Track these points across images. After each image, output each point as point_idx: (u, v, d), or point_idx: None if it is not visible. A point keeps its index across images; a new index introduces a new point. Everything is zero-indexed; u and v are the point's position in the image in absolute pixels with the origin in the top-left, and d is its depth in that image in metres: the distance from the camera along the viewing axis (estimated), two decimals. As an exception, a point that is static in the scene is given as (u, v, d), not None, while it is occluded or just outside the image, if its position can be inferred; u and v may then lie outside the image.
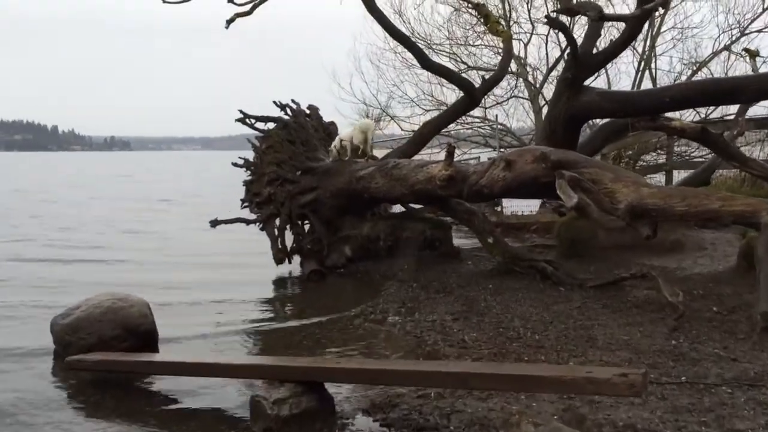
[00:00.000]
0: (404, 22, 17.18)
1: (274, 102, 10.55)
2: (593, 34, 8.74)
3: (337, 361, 5.03)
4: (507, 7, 17.23)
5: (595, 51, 8.87)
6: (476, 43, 17.64)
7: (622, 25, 8.76)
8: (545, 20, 8.34)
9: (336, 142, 10.05)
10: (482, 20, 11.72)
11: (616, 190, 6.88)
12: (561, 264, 8.60)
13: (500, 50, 15.64)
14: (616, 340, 5.96)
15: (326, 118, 11.28)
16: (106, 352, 5.30)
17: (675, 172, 14.14)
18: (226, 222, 9.69)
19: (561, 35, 16.68)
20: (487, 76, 12.29)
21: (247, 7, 9.12)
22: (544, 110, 16.78)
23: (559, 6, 8.44)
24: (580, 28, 13.53)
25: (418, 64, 15.77)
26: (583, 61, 8.33)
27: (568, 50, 8.81)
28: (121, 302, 5.85)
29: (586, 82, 9.05)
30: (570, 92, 8.53)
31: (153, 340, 5.97)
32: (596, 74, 14.14)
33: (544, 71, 17.37)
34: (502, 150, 15.93)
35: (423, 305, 7.54)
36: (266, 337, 6.70)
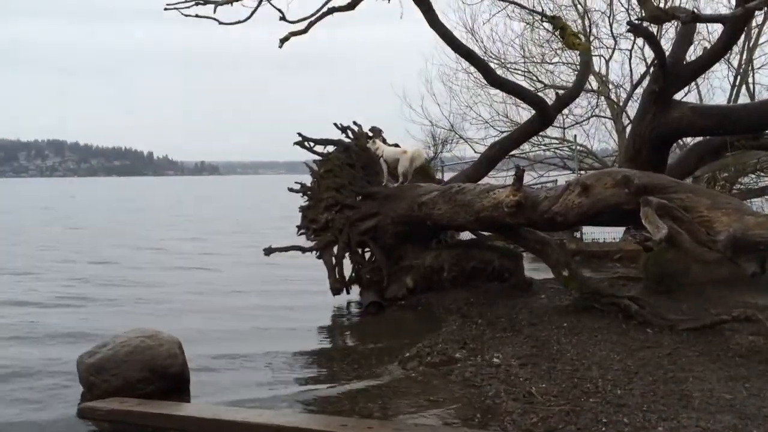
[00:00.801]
0: (476, 41, 16.51)
1: (335, 124, 10.08)
2: (684, 41, 7.76)
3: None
4: (587, 22, 16.23)
5: (685, 62, 7.84)
6: (553, 61, 16.73)
7: (712, 38, 7.73)
8: (628, 28, 7.44)
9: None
10: (558, 33, 10.86)
11: (714, 218, 5.91)
12: (648, 301, 7.57)
13: (578, 67, 14.67)
14: (717, 399, 4.97)
15: (397, 141, 10.67)
16: (123, 399, 4.81)
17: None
18: (281, 250, 9.21)
19: (647, 47, 15.63)
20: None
21: (303, 25, 8.72)
22: (628, 130, 15.65)
23: (643, 13, 7.51)
24: (667, 42, 12.39)
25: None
26: (672, 72, 7.36)
27: (654, 61, 7.84)
28: (149, 340, 5.40)
29: (675, 97, 8.05)
30: (657, 107, 7.58)
31: (183, 382, 5.50)
32: (686, 89, 12.91)
33: (628, 88, 16.20)
34: (581, 173, 14.83)
35: (487, 346, 6.74)
36: (311, 383, 6.05)
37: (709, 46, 8.39)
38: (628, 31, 8.09)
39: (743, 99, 14.74)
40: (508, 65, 16.53)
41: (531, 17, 15.36)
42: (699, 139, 9.02)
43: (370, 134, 10.40)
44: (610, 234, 13.49)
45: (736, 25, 7.19)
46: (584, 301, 7.79)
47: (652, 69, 14.31)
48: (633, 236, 5.65)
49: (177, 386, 5.40)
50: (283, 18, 8.68)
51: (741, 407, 4.78)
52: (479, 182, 9.79)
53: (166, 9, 8.49)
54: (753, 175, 14.23)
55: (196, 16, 8.50)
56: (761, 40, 14.76)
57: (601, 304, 7.66)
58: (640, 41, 15.65)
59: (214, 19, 8.58)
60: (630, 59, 16.15)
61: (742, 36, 12.21)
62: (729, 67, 14.85)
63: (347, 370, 6.20)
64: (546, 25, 14.65)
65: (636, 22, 7.36)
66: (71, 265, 14.08)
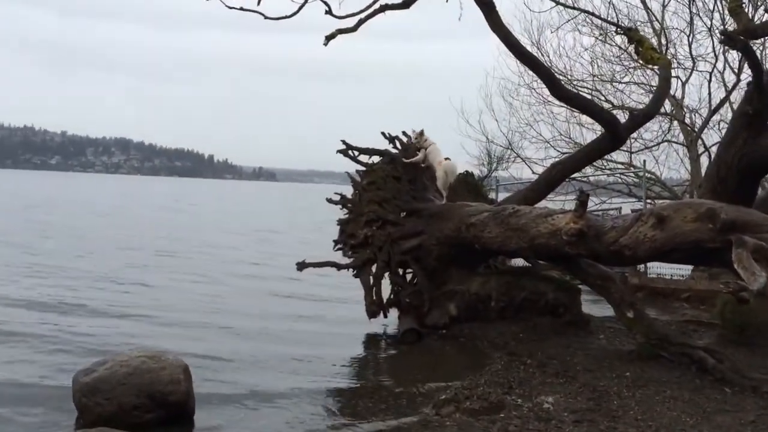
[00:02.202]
0: (542, 54, 15.58)
1: (383, 133, 9.42)
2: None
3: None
4: (663, 40, 15.12)
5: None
6: (624, 79, 15.66)
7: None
8: (721, 38, 6.51)
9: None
10: (633, 47, 9.92)
11: (818, 265, 4.93)
12: (725, 354, 6.57)
13: (653, 87, 13.62)
14: (819, 489, 4.01)
15: (451, 155, 9.86)
16: (109, 431, 4.18)
17: None
18: (315, 265, 8.54)
19: (728, 70, 14.47)
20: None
21: (352, 22, 8.09)
22: (703, 159, 14.49)
23: (735, 27, 6.59)
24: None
25: (554, 101, 14.35)
26: (769, 92, 6.40)
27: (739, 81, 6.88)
28: (151, 362, 4.78)
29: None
30: (749, 132, 6.64)
31: (186, 413, 4.85)
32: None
33: (705, 113, 15.00)
34: (649, 201, 13.73)
35: (535, 392, 5.91)
36: (329, 426, 5.31)
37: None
38: (722, 42, 7.15)
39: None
40: (575, 82, 15.55)
41: (603, 29, 14.39)
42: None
43: (415, 139, 9.67)
44: (679, 270, 12.35)
45: None
46: (651, 347, 6.87)
47: (737, 93, 13.27)
48: (726, 284, 4.73)
49: (179, 417, 4.77)
50: (329, 12, 8.09)
51: None
52: (536, 205, 8.91)
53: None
54: None
55: (241, 8, 8.01)
56: None
57: (670, 353, 6.75)
58: (720, 64, 14.52)
59: (259, 12, 8.08)
60: (709, 82, 14.97)
61: None
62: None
63: (373, 411, 5.47)
64: (618, 40, 13.69)
65: (732, 32, 6.42)
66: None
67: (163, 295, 10.81)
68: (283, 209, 45.54)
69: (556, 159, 14.38)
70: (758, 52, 10.74)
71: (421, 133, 9.07)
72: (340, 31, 8.12)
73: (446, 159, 8.85)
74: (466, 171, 10.06)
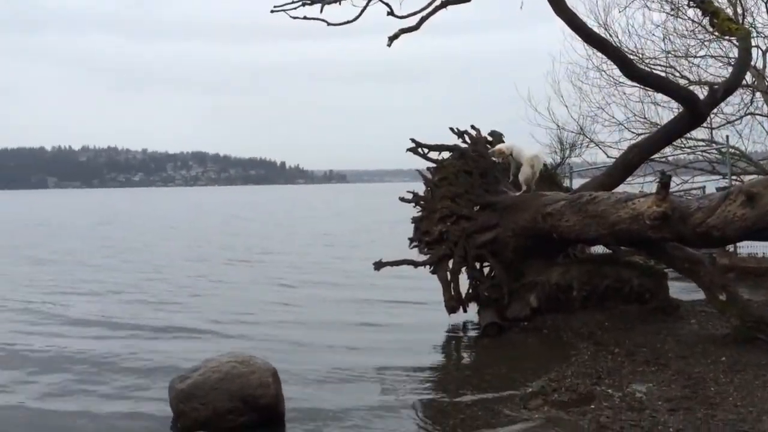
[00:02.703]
0: (610, 35, 15.03)
1: (451, 128, 9.37)
2: None
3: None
4: (739, 9, 14.33)
5: None
6: (699, 53, 14.92)
7: None
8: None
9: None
10: (709, 19, 9.44)
11: None
12: (831, 335, 6.20)
13: (731, 60, 12.95)
14: None
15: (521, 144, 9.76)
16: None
17: None
18: (392, 264, 8.60)
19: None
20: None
21: (414, 21, 8.08)
22: (791, 129, 13.67)
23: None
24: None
25: (626, 82, 13.85)
26: None
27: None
28: (241, 366, 4.95)
29: None
30: None
31: (276, 416, 4.99)
32: None
33: (790, 81, 14.11)
34: (734, 178, 13.06)
35: (626, 382, 5.76)
36: (417, 417, 5.34)
37: None
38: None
39: None
40: (647, 60, 14.95)
41: (674, 4, 13.78)
42: None
43: (490, 138, 9.60)
44: (771, 248, 11.71)
45: None
46: (747, 330, 6.56)
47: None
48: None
49: (271, 419, 4.92)
50: (391, 13, 8.10)
51: None
52: (614, 190, 8.65)
53: (272, 11, 8.19)
54: None
55: (304, 17, 8.14)
56: None
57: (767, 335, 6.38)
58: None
59: (322, 20, 8.19)
60: (792, 49, 14.08)
61: None
62: None
63: (459, 408, 5.45)
64: (691, 13, 13.08)
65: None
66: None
67: (232, 303, 10.86)
68: (354, 210, 45.88)
69: (632, 141, 13.88)
70: None
71: (499, 137, 9.04)
72: (403, 31, 8.12)
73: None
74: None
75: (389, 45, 8.05)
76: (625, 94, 15.49)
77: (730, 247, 11.37)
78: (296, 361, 6.89)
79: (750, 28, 13.02)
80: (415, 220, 8.87)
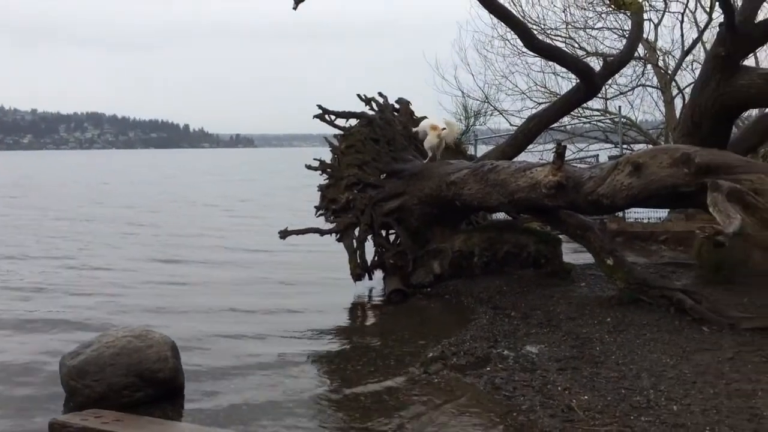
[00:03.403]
0: (514, 4, 15.40)
1: (359, 95, 9.33)
2: (755, -3, 6.72)
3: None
4: (634, -18, 14.98)
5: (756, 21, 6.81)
6: (597, 26, 15.56)
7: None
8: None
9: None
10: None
11: (790, 204, 5.02)
12: (704, 294, 6.72)
13: (625, 32, 13.57)
14: (794, 420, 4.16)
15: (428, 113, 9.85)
16: (101, 412, 4.22)
17: None
18: (297, 232, 8.54)
19: (700, 10, 14.43)
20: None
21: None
22: (677, 101, 14.57)
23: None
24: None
25: (529, 52, 14.23)
26: (741, 33, 6.37)
27: (716, 22, 6.85)
28: (137, 341, 4.80)
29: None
30: (722, 74, 6.62)
31: (176, 389, 4.89)
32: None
33: (678, 55, 15.00)
34: (625, 147, 13.81)
35: (521, 344, 6.03)
36: (320, 388, 5.36)
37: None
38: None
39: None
40: (548, 31, 15.45)
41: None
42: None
43: (397, 106, 9.64)
44: (655, 213, 12.53)
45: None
46: (631, 292, 6.99)
47: (709, 32, 13.25)
48: (701, 228, 4.80)
49: (169, 394, 4.81)
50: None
51: (827, 433, 3.98)
52: (515, 159, 8.94)
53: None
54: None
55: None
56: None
57: (649, 296, 6.87)
58: (692, 3, 14.48)
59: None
60: (681, 24, 14.94)
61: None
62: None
63: (362, 374, 5.53)
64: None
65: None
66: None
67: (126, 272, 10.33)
68: (259, 176, 45.10)
69: (533, 110, 14.38)
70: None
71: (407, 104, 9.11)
72: (309, -8, 7.92)
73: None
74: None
75: (295, 8, 7.84)
76: (527, 63, 16.01)
77: (620, 213, 12.06)
78: (195, 335, 6.74)
79: (642, 2, 13.65)
80: (321, 187, 8.82)
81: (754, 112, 9.22)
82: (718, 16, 11.32)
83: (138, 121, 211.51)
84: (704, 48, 13.89)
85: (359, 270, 8.48)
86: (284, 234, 8.47)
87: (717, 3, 8.13)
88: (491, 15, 12.34)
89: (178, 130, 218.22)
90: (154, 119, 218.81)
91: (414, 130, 9.02)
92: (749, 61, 12.74)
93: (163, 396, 4.76)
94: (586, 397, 4.71)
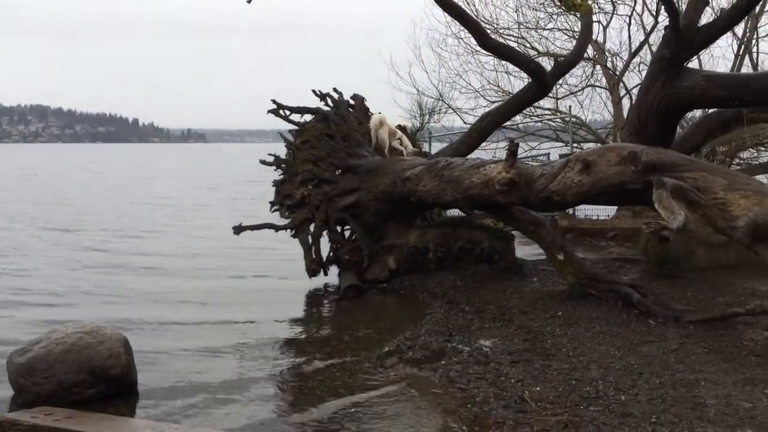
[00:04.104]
0: (468, 3, 15.52)
1: (313, 91, 9.28)
2: (699, 1, 6.97)
3: None
4: (584, -15, 15.32)
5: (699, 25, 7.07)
6: (548, 26, 15.84)
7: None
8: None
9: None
10: (556, -6, 10.03)
11: (730, 201, 5.28)
12: (650, 288, 6.96)
13: (576, 33, 13.87)
14: (734, 408, 4.38)
15: (382, 110, 9.94)
16: (51, 409, 4.12)
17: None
18: (252, 228, 8.46)
19: (646, 13, 14.85)
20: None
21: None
22: (625, 101, 14.95)
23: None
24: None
25: (482, 51, 14.40)
26: (685, 36, 6.60)
27: (662, 25, 7.09)
28: (88, 337, 4.69)
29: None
30: (667, 75, 6.85)
31: (129, 386, 4.80)
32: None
33: (626, 57, 15.41)
34: (575, 145, 14.13)
35: (474, 338, 6.14)
36: (276, 385, 5.35)
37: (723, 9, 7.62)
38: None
39: (746, 70, 14.00)
40: (501, 30, 15.63)
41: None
42: (709, 111, 8.32)
43: (352, 102, 9.65)
44: (604, 210, 12.86)
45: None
46: (580, 287, 7.19)
47: (655, 35, 13.65)
48: (647, 224, 4.97)
49: (121, 390, 4.73)
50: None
51: (763, 418, 4.20)
52: (469, 156, 9.06)
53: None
54: (753, 150, 13.59)
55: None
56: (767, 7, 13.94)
57: (598, 290, 7.08)
58: (639, 6, 14.89)
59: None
60: (629, 26, 15.35)
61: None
62: (734, 36, 14.06)
63: (318, 369, 5.53)
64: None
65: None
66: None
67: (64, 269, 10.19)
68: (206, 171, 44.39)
69: (486, 108, 14.54)
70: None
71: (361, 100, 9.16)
72: (262, -14, 7.87)
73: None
74: (399, 125, 10.01)
75: (249, 1, 7.76)
76: (480, 62, 16.14)
77: (570, 210, 12.35)
78: (148, 331, 6.64)
79: (592, 4, 13.99)
80: (276, 183, 8.76)
81: (697, 112, 9.55)
82: (664, 19, 11.65)
83: (85, 114, 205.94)
84: (650, 50, 14.28)
85: (314, 266, 8.46)
86: (239, 229, 8.38)
87: (663, 7, 8.38)
88: (445, 13, 12.51)
89: (127, 125, 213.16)
90: (102, 113, 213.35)
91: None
92: (693, 64, 13.22)
93: (116, 393, 4.68)
94: (538, 388, 4.83)
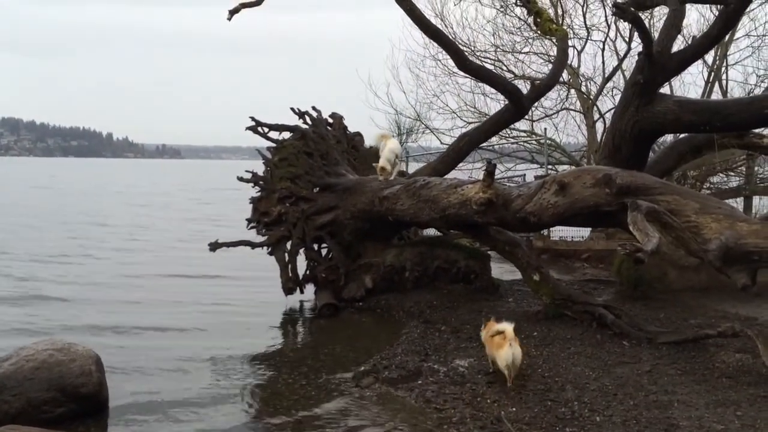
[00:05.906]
0: (446, 26, 15.69)
1: (292, 109, 9.28)
2: (672, 29, 7.14)
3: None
4: (560, 11, 15.62)
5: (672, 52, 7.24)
6: (524, 50, 16.07)
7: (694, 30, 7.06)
8: (614, 10, 6.79)
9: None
10: (533, 18, 10.20)
11: (702, 224, 5.37)
12: (623, 310, 7.04)
13: (551, 57, 14.10)
14: (707, 429, 4.45)
15: (360, 129, 9.95)
16: (18, 428, 4.01)
17: (755, 199, 12.30)
18: (228, 245, 8.38)
19: (620, 39, 15.15)
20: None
21: (257, -4, 7.88)
22: (599, 125, 15.19)
23: (625, -1, 6.94)
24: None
25: (459, 72, 14.55)
26: (658, 62, 6.76)
27: (635, 51, 7.25)
28: (59, 354, 4.59)
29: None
30: (641, 100, 6.99)
31: (99, 405, 4.71)
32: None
33: (600, 81, 15.69)
34: (550, 167, 14.31)
35: (450, 358, 6.13)
36: (251, 405, 5.27)
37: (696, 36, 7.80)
38: (614, 14, 7.46)
39: (716, 96, 14.35)
40: (478, 53, 15.81)
41: (504, 1, 14.71)
42: (681, 136, 8.50)
43: (330, 120, 9.67)
44: (578, 232, 13.01)
45: (732, 11, 6.57)
46: (555, 307, 7.25)
47: (628, 60, 13.93)
48: (622, 246, 5.04)
49: (92, 409, 4.63)
50: (233, -14, 7.85)
51: (735, 441, 4.24)
52: (446, 176, 9.12)
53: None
54: (722, 175, 13.87)
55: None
56: (737, 35, 14.33)
57: (573, 311, 7.15)
58: (613, 33, 15.20)
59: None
60: (603, 51, 15.63)
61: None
62: (704, 63, 14.41)
63: (293, 389, 5.47)
64: (518, 11, 14.04)
65: (622, 3, 6.73)
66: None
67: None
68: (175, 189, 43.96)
69: (463, 129, 14.67)
70: (647, 22, 11.26)
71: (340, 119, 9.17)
72: (244, 6, 7.89)
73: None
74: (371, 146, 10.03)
75: (229, 19, 7.77)
76: (458, 84, 16.27)
77: (545, 231, 12.47)
78: (119, 346, 6.52)
79: (567, 29, 14.27)
80: (253, 200, 8.72)
81: (669, 137, 9.74)
82: (637, 45, 11.93)
83: (58, 128, 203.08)
84: (624, 75, 14.57)
85: (291, 283, 8.41)
86: (214, 246, 8.30)
87: (636, 33, 8.57)
88: (424, 35, 12.65)
89: (101, 139, 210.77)
90: (75, 126, 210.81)
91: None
92: (664, 89, 13.51)
93: (87, 411, 4.58)
94: (514, 409, 4.83)
